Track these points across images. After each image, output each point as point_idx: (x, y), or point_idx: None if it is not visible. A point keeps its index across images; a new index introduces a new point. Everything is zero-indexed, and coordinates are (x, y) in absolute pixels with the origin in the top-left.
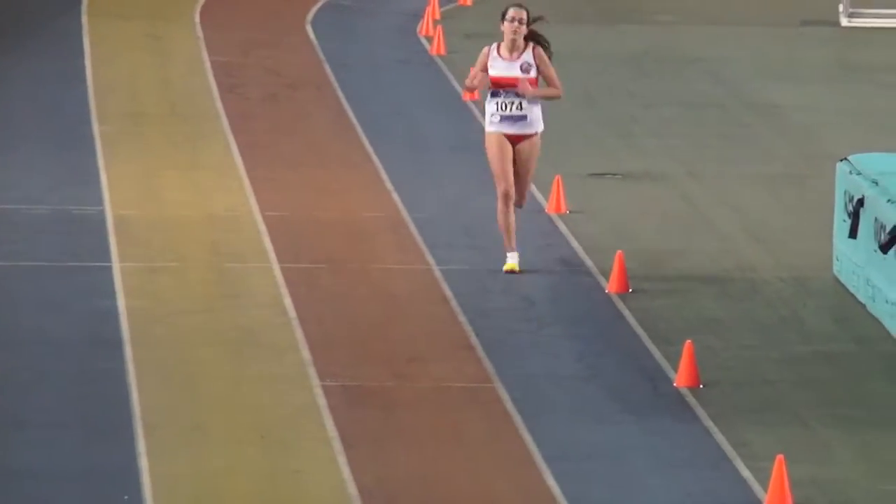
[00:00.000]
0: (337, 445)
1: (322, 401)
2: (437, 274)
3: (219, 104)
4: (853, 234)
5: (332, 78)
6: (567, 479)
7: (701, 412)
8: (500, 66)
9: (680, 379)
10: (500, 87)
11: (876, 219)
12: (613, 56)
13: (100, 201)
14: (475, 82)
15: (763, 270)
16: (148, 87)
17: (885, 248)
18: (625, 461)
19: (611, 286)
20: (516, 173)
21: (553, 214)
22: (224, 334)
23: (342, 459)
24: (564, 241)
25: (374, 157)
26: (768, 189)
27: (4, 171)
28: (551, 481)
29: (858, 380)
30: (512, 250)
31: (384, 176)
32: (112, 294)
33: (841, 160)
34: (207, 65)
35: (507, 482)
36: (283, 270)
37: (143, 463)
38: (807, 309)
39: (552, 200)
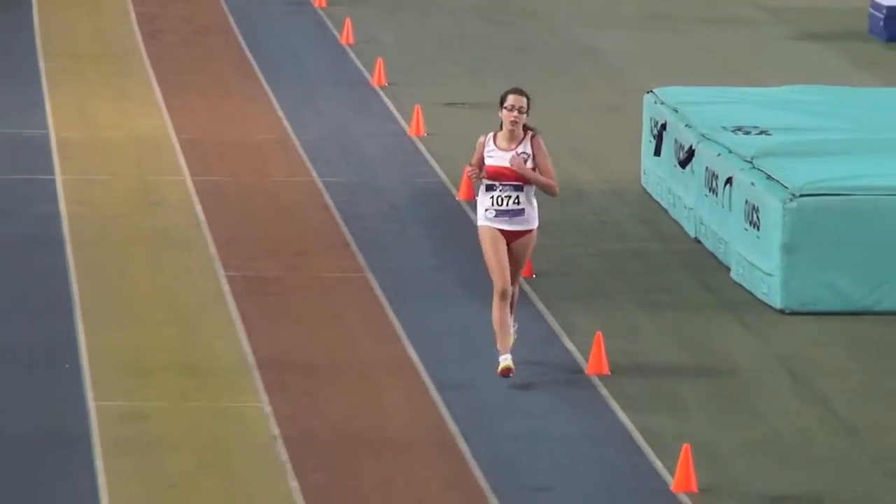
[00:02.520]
0: (239, 325)
1: (227, 288)
2: (320, 185)
3: (142, 47)
4: (657, 152)
5: (235, 26)
6: (425, 351)
7: (535, 297)
8: (498, 156)
9: None
10: (497, 179)
11: (676, 140)
12: (465, 7)
13: (45, 125)
14: (475, 174)
15: (585, 183)
16: (84, 32)
17: (683, 164)
18: (472, 337)
19: (460, 194)
20: (511, 266)
21: (414, 137)
22: (146, 234)
23: (243, 336)
24: (423, 159)
25: (269, 91)
26: (589, 117)
27: None
28: (412, 353)
29: (662, 271)
30: (505, 353)
31: (276, 106)
32: (55, 201)
33: (648, 92)
34: (132, 15)
35: (376, 353)
36: (194, 182)
37: (81, 339)
38: (621, 214)
39: (413, 125)
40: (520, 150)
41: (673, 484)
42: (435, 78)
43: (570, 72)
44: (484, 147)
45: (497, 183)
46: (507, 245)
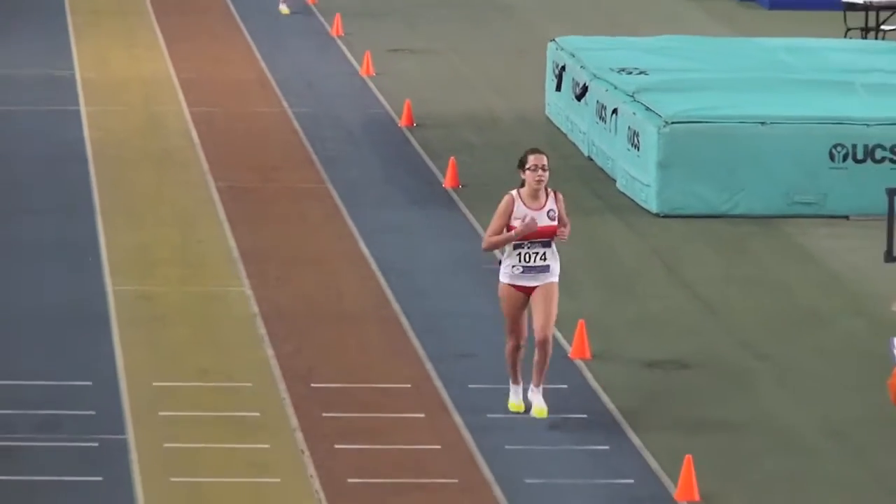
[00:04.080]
0: (226, 225)
1: (216, 196)
2: (290, 114)
3: (148, 5)
4: (558, 88)
5: None
6: (374, 246)
7: (461, 204)
8: (529, 216)
9: (446, 182)
10: (528, 239)
11: (573, 79)
12: None
13: (72, 67)
14: (523, 229)
15: (500, 111)
16: None
17: (578, 98)
18: (411, 234)
19: (402, 121)
20: (539, 310)
21: (364, 76)
22: (153, 153)
23: (230, 234)
24: (372, 94)
25: (249, 39)
26: (504, 60)
27: (5, 48)
28: (364, 248)
29: (562, 182)
30: (517, 383)
31: (255, 51)
32: (80, 128)
33: (551, 41)
34: None
35: (335, 247)
36: (191, 112)
37: (101, 237)
38: (529, 137)
39: (364, 67)
40: (547, 207)
41: (570, 351)
42: (381, 29)
43: (489, 24)
44: (512, 208)
45: (525, 241)
46: (530, 292)
